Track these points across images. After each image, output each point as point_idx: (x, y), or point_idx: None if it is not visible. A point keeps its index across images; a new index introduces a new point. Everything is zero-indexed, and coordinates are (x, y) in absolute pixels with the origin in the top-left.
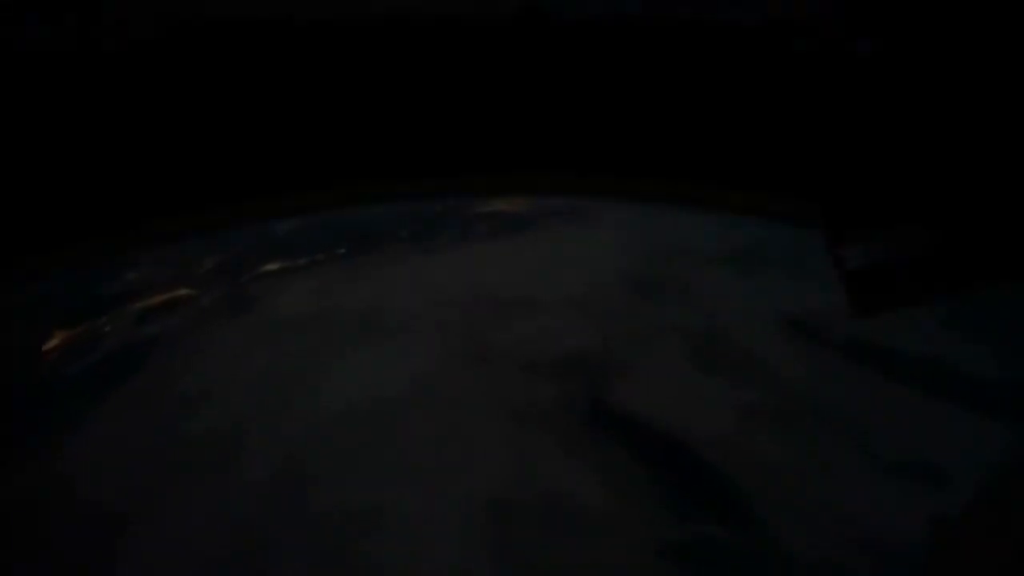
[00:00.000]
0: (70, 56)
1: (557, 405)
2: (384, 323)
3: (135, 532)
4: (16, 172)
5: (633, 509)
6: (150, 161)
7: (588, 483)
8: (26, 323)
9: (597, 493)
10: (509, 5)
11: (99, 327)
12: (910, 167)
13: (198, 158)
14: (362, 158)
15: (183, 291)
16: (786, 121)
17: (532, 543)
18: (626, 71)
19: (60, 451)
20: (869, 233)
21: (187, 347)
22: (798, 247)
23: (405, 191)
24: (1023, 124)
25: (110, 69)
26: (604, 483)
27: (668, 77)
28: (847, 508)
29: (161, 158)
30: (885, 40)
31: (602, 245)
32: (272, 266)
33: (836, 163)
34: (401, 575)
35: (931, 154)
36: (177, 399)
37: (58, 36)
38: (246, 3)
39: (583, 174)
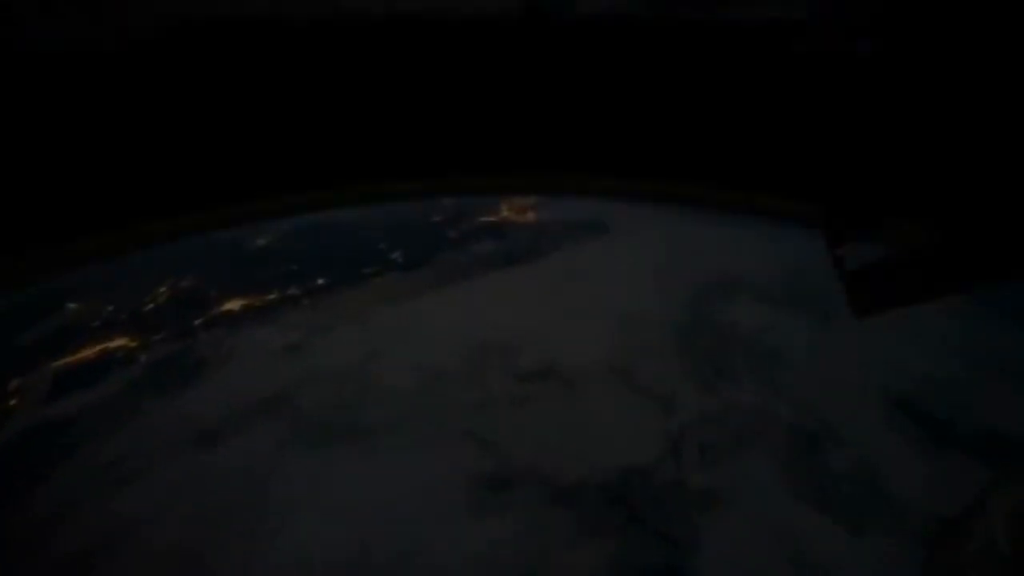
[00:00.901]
0: (70, 56)
1: None
2: (366, 418)
3: None
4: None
5: None
6: (140, 162)
7: None
8: None
9: None
10: (510, 5)
11: (5, 399)
12: (910, 167)
13: (192, 159)
14: (360, 158)
15: (120, 341)
16: (785, 121)
17: None
18: (625, 71)
19: None
20: (869, 233)
21: (110, 447)
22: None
23: (404, 191)
24: (1023, 124)
25: (110, 69)
26: None
27: (667, 76)
28: None
29: (151, 159)
30: (885, 40)
31: (634, 275)
32: (234, 304)
33: (836, 163)
34: None
35: (931, 154)
36: (86, 540)
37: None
38: (246, 3)
39: (589, 175)
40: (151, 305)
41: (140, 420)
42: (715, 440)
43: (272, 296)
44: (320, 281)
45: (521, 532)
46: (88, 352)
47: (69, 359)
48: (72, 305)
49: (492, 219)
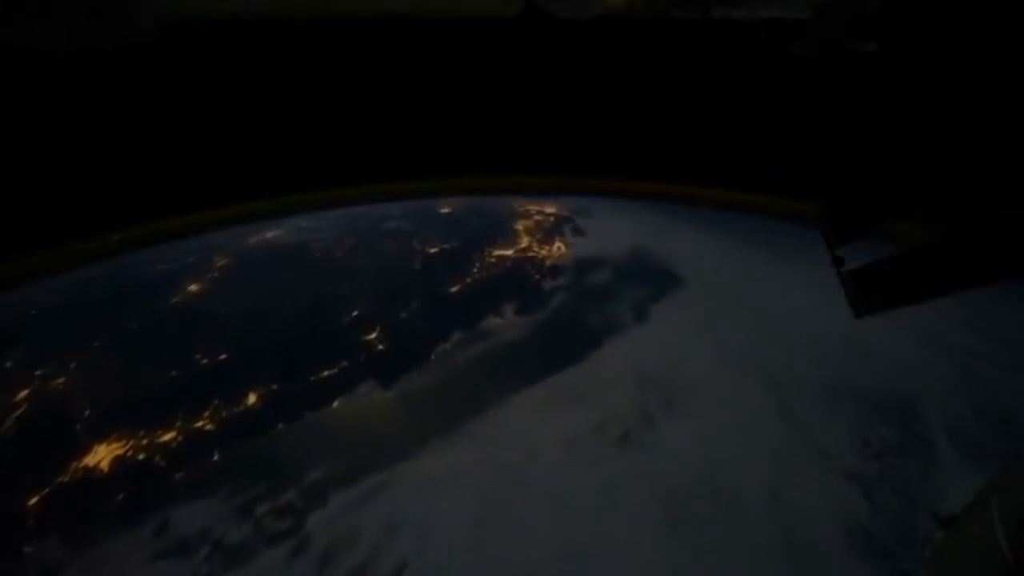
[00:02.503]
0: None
1: None
2: None
3: None
4: None
5: None
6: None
7: None
8: None
9: None
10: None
11: None
12: (910, 166)
13: (180, 161)
14: (356, 159)
15: None
16: (786, 121)
17: None
18: (623, 69)
19: None
20: (869, 233)
21: None
22: None
23: (400, 192)
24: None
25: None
26: None
27: (666, 75)
28: None
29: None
30: (885, 40)
31: (751, 404)
32: (103, 454)
33: (836, 162)
34: None
35: (931, 153)
36: None
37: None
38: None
39: (599, 176)
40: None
41: None
42: None
43: (165, 437)
44: (251, 400)
45: None
46: None
47: None
48: None
49: (507, 253)
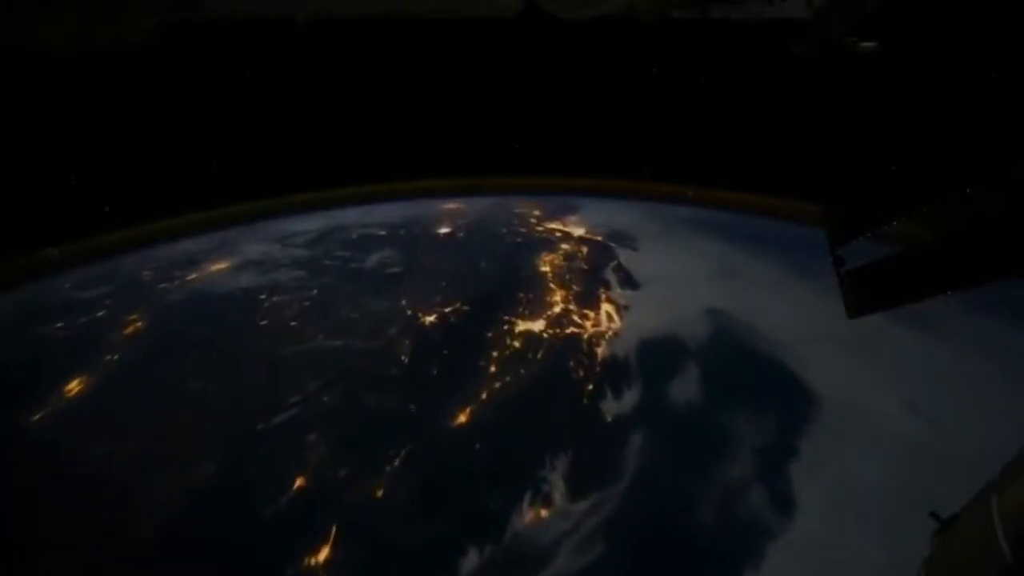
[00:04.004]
0: (70, 56)
1: None
2: None
3: None
4: None
5: None
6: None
7: None
8: None
9: None
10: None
11: None
12: (910, 166)
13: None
14: (355, 159)
15: None
16: (786, 121)
17: None
18: (623, 69)
19: None
20: (869, 233)
21: None
22: None
23: (394, 193)
24: (1022, 122)
25: (108, 69)
26: None
27: (666, 75)
28: None
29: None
30: (886, 40)
31: None
32: None
33: (836, 163)
34: None
35: (931, 153)
36: None
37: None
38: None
39: (600, 176)
40: None
41: None
42: None
43: None
44: None
45: None
46: None
47: None
48: None
49: (536, 328)
